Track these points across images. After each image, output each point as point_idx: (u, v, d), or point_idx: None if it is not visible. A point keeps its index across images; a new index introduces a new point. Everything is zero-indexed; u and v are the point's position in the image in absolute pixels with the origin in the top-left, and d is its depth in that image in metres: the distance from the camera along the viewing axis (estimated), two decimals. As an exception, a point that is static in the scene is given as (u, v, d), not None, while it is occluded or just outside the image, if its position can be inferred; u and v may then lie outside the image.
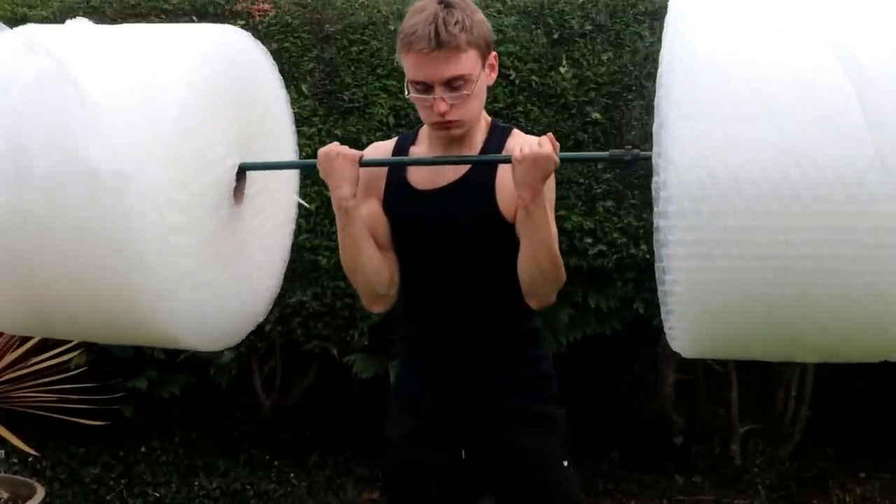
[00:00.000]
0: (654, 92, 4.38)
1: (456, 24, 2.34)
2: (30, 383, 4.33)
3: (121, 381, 4.91)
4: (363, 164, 2.45)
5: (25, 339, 4.38)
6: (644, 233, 4.39)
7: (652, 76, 4.33)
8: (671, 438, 5.02)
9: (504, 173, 2.42)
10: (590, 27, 4.44)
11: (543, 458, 2.56)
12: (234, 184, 2.53)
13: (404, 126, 4.39)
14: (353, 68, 4.52)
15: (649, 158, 2.11)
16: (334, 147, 2.45)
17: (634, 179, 4.39)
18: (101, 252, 2.31)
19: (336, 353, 4.70)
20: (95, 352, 4.78)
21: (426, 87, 2.38)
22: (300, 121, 4.37)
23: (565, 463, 2.59)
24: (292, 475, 4.98)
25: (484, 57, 2.42)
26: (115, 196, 2.26)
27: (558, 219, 4.33)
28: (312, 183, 4.42)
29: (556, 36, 4.45)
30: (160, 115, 2.30)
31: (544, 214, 2.35)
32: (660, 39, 4.38)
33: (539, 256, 2.36)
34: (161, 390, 5.00)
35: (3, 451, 4.88)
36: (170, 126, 2.30)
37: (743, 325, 2.10)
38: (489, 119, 2.56)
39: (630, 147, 2.45)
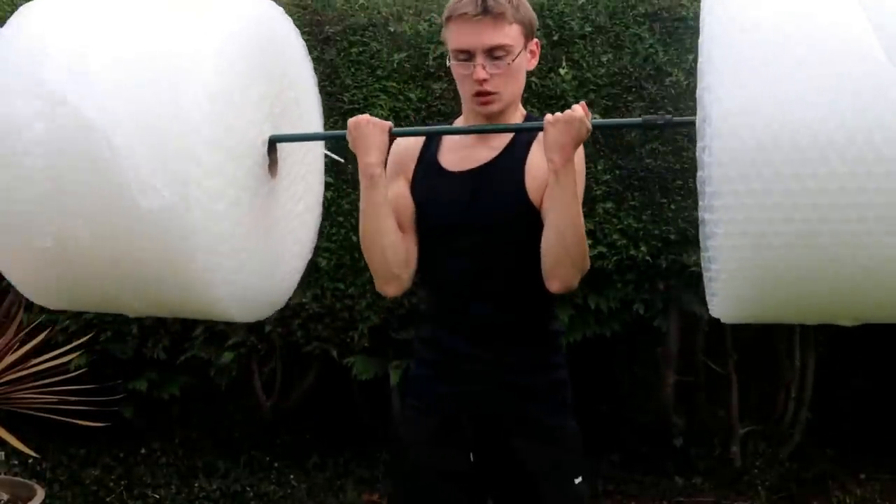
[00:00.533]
0: (653, 94, 4.42)
1: None
2: (30, 385, 4.33)
3: (121, 383, 4.91)
4: (393, 133, 2.47)
5: (26, 341, 4.39)
6: (644, 234, 4.40)
7: (652, 77, 4.36)
8: (671, 440, 5.02)
9: (534, 158, 2.44)
10: (589, 29, 4.43)
11: (556, 477, 2.54)
12: (267, 158, 2.54)
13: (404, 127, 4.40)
14: (352, 70, 4.53)
15: (683, 124, 2.12)
16: (364, 116, 2.47)
17: (634, 181, 4.39)
18: (153, 270, 2.38)
19: (336, 355, 4.71)
20: (95, 353, 4.79)
21: (468, 56, 2.42)
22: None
23: (577, 480, 2.56)
24: (292, 476, 4.98)
25: (527, 38, 2.46)
26: (163, 225, 2.33)
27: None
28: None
29: (555, 37, 4.45)
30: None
31: (573, 183, 2.34)
32: (659, 41, 4.42)
33: (564, 229, 2.34)
34: (161, 391, 5.00)
35: (3, 453, 4.88)
36: (201, 151, 2.32)
37: (787, 289, 2.11)
38: (524, 112, 2.58)
39: (663, 113, 2.47)
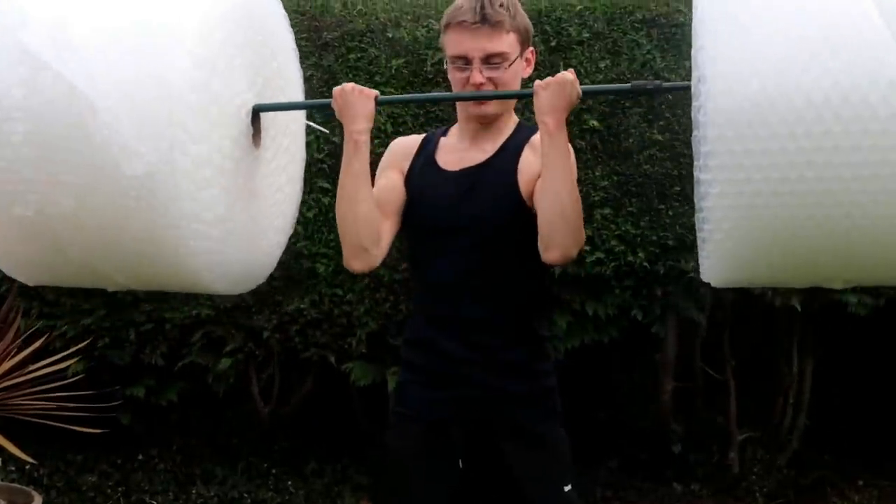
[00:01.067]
0: (650, 100, 4.42)
1: (501, 6, 2.44)
2: (27, 391, 4.32)
3: (119, 389, 4.90)
4: (379, 101, 2.50)
5: (23, 347, 4.38)
6: (641, 240, 4.40)
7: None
8: (670, 446, 5.01)
9: (526, 159, 2.49)
10: (587, 35, 4.44)
11: (545, 482, 2.55)
12: (251, 128, 2.54)
13: (402, 133, 4.39)
14: (351, 76, 4.52)
15: (673, 89, 2.13)
16: (350, 84, 2.50)
17: (632, 187, 4.40)
18: (138, 237, 2.36)
19: (334, 361, 4.70)
20: (93, 359, 4.78)
21: (466, 62, 2.46)
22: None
23: (566, 488, 2.57)
24: (290, 483, 4.97)
25: (523, 45, 2.51)
26: (146, 193, 2.31)
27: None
28: (310, 190, 4.42)
29: (553, 43, 4.45)
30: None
31: (567, 147, 2.37)
32: (657, 47, 4.43)
33: (561, 190, 2.34)
34: (159, 398, 4.99)
35: (0, 459, 4.88)
36: (187, 115, 2.31)
37: (781, 249, 2.12)
38: (517, 119, 2.63)
39: (652, 78, 2.51)
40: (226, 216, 2.43)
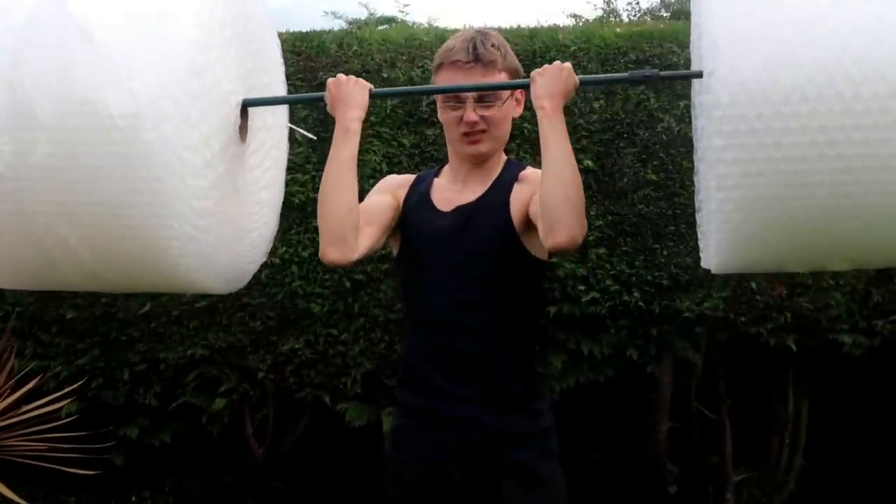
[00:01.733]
0: (645, 140, 4.45)
1: (492, 46, 2.49)
2: (20, 432, 4.30)
3: (112, 429, 4.88)
4: (374, 94, 2.50)
5: (17, 388, 4.36)
6: (637, 280, 4.40)
7: (643, 123, 4.38)
8: (666, 486, 4.99)
9: (517, 193, 2.51)
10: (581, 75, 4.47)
11: None
12: (239, 121, 2.50)
13: (397, 173, 4.41)
14: (346, 116, 4.54)
15: (670, 78, 2.16)
16: (344, 76, 2.49)
17: (627, 227, 4.41)
18: (113, 191, 2.23)
19: (329, 401, 4.69)
20: (87, 400, 4.76)
21: (458, 101, 2.49)
22: (294, 168, 4.39)
23: None
24: (284, 525, 4.95)
25: (515, 74, 2.55)
26: (131, 135, 2.19)
27: (549, 266, 4.38)
28: (306, 230, 4.43)
29: (547, 84, 4.48)
30: (172, 54, 2.25)
31: (565, 127, 2.37)
32: (650, 88, 4.44)
33: (564, 171, 2.30)
34: (153, 438, 4.97)
35: (-8, 501, 4.84)
36: (183, 65, 2.25)
37: (783, 229, 2.11)
38: (506, 157, 2.65)
39: (649, 67, 2.54)
40: (216, 219, 2.37)
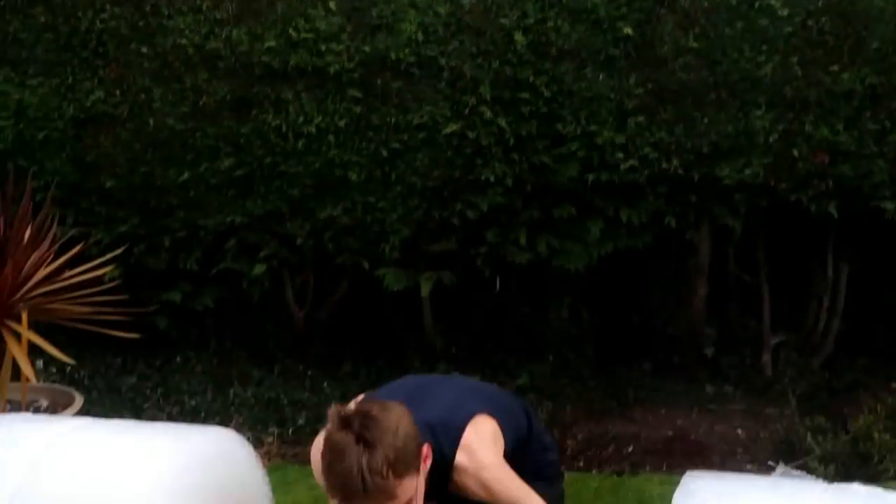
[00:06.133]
0: (686, 7, 4.32)
1: (382, 466, 2.19)
2: (65, 296, 4.36)
3: (155, 293, 4.95)
4: None
5: (60, 253, 4.41)
6: (676, 147, 4.35)
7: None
8: (702, 349, 5.04)
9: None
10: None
11: None
12: None
13: (433, 42, 4.35)
14: (382, -17, 4.46)
15: None
16: None
17: (667, 95, 4.33)
18: None
19: (367, 266, 4.72)
20: (129, 266, 4.82)
21: None
22: (328, 37, 4.34)
23: None
24: (326, 384, 5.04)
25: (417, 469, 2.30)
26: None
27: (588, 134, 4.34)
28: (341, 100, 4.41)
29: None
30: None
31: None
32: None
33: None
34: (195, 303, 5.05)
35: (41, 362, 4.96)
36: None
37: None
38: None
39: None
40: None
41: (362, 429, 2.19)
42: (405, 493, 2.25)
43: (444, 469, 2.41)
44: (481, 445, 2.45)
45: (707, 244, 4.76)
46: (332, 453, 2.22)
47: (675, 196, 4.46)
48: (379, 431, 2.19)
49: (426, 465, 2.34)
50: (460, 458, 2.43)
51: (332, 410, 2.26)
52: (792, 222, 4.69)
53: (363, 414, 2.22)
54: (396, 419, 2.23)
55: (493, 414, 2.53)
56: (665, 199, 4.47)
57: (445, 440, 2.41)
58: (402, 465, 2.22)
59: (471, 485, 2.43)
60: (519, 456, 2.53)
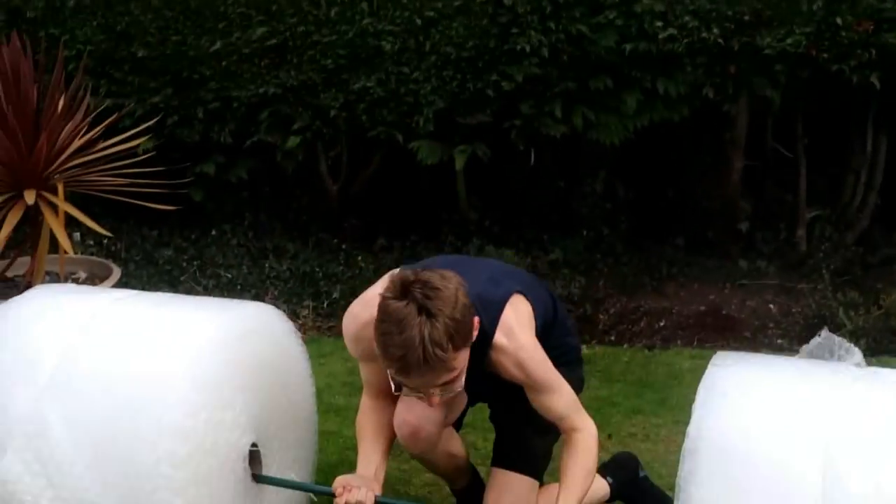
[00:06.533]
0: None
1: (443, 339, 2.18)
2: (100, 168, 4.36)
3: (189, 166, 4.96)
4: (379, 502, 2.42)
5: (93, 126, 4.41)
6: (716, 15, 4.27)
7: None
8: (737, 224, 5.01)
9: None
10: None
11: None
12: (247, 465, 2.50)
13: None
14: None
15: None
16: (351, 485, 2.42)
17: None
18: None
19: (401, 140, 4.70)
20: (163, 137, 4.83)
21: (420, 392, 2.33)
22: None
23: None
24: (360, 258, 5.06)
25: (470, 342, 2.30)
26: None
27: (627, 2, 4.26)
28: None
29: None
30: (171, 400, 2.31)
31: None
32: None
33: None
34: (229, 175, 5.06)
35: (78, 234, 5.00)
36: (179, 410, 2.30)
37: None
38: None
39: None
40: None
41: (424, 298, 2.17)
42: (459, 366, 2.26)
43: (482, 345, 2.41)
44: (520, 327, 2.45)
45: (745, 117, 4.70)
46: (391, 323, 2.19)
47: (714, 66, 4.39)
48: (441, 302, 2.18)
49: (474, 334, 2.33)
50: (500, 338, 2.43)
51: (391, 277, 2.25)
52: (832, 94, 4.62)
53: (423, 282, 2.19)
54: (455, 289, 2.22)
55: (526, 295, 2.52)
56: (704, 69, 4.40)
57: (486, 316, 2.40)
58: (460, 337, 2.22)
59: (507, 364, 2.44)
60: (544, 340, 2.52)
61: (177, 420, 2.27)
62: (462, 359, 2.26)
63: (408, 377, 2.24)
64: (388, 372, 2.28)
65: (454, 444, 2.75)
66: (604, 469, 2.93)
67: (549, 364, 2.45)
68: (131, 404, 2.30)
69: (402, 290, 2.18)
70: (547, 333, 2.57)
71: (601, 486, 2.89)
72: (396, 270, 2.30)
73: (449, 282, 2.22)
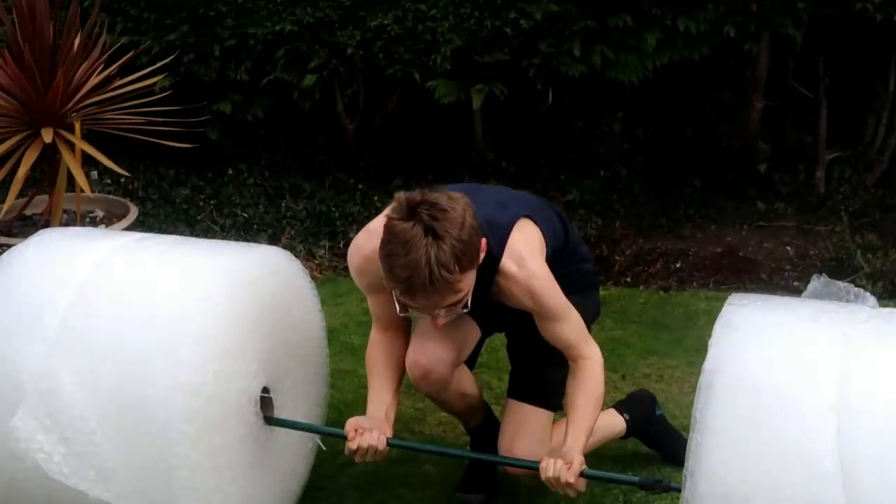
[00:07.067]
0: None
1: (450, 260, 2.17)
2: (116, 106, 4.36)
3: (205, 104, 4.95)
4: (391, 444, 2.45)
5: (109, 63, 4.39)
6: (738, -49, 4.21)
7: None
8: (755, 165, 4.98)
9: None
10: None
11: None
12: (259, 410, 2.51)
13: None
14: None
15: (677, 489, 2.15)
16: (363, 428, 2.42)
17: None
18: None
19: (418, 78, 4.67)
20: (179, 75, 4.81)
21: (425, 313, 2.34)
22: None
23: None
24: (376, 198, 5.05)
25: (476, 264, 2.28)
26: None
27: None
28: None
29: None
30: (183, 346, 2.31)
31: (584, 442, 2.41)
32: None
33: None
34: (245, 113, 5.05)
35: (95, 172, 5.01)
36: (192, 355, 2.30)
37: None
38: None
39: (661, 480, 2.38)
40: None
41: (431, 220, 2.16)
42: (465, 287, 2.26)
43: (489, 268, 2.40)
44: (529, 253, 2.44)
45: (766, 56, 4.65)
46: (397, 244, 2.18)
47: (735, 4, 4.33)
48: (448, 223, 2.17)
49: (481, 256, 2.33)
50: (509, 264, 2.42)
51: (397, 197, 2.22)
52: (855, 33, 4.56)
53: (430, 203, 2.18)
54: (462, 210, 2.21)
55: (534, 219, 2.51)
56: (725, 7, 4.35)
57: (493, 238, 2.39)
58: (467, 259, 2.22)
59: (516, 291, 2.43)
60: (556, 266, 2.51)
61: (187, 375, 2.28)
62: (468, 280, 2.26)
63: (413, 299, 2.24)
64: (394, 293, 2.28)
65: (467, 383, 2.75)
66: (620, 406, 2.95)
67: (559, 291, 2.44)
68: (141, 359, 2.30)
69: (409, 210, 2.18)
70: (559, 259, 2.56)
71: (618, 422, 2.91)
72: (402, 192, 2.26)
73: (456, 203, 2.21)
